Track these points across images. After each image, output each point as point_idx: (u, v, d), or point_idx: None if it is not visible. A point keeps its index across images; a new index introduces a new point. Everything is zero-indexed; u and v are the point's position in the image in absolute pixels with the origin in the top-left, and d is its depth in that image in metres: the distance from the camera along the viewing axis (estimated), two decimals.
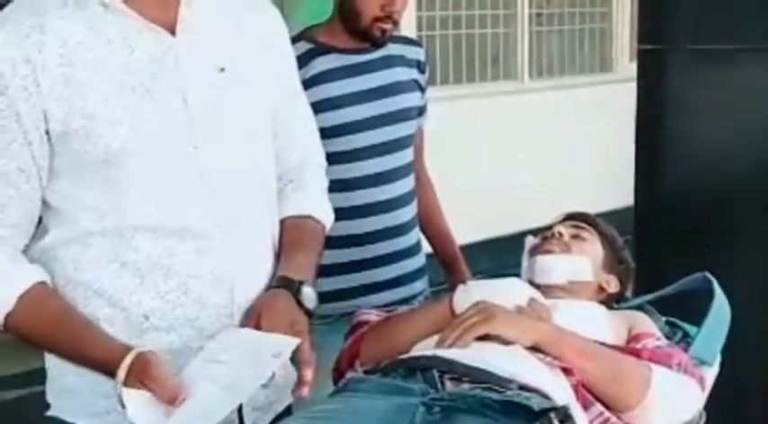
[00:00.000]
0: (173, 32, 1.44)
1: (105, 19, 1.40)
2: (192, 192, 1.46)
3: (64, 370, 1.52)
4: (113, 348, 1.40)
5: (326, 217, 1.70)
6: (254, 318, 1.45)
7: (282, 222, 1.63)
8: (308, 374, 1.40)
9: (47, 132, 1.40)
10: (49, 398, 1.57)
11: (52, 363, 1.55)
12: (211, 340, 1.44)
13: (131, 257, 1.44)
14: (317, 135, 1.75)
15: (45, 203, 1.47)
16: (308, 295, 1.50)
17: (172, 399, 1.33)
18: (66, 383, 1.53)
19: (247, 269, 1.52)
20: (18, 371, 1.67)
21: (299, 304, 1.48)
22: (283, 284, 1.50)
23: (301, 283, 1.50)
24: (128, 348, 1.38)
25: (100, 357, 1.40)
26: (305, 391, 1.40)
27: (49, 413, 1.56)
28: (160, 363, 1.36)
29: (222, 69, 1.48)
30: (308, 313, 1.50)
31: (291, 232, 1.62)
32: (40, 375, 1.58)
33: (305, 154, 1.70)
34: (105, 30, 1.40)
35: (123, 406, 1.35)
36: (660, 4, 2.86)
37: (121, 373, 1.35)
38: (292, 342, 1.37)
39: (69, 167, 1.43)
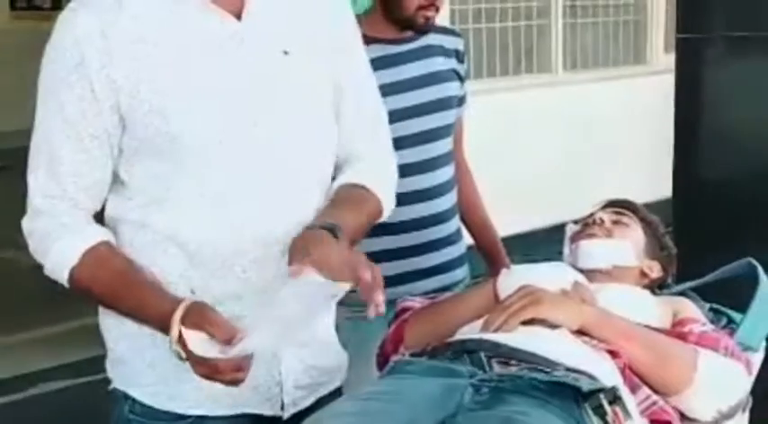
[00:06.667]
0: (239, 17, 1.50)
1: (178, 1, 1.47)
2: (250, 175, 1.49)
3: (116, 338, 1.58)
4: (170, 301, 1.42)
5: (385, 197, 1.64)
6: (304, 256, 1.36)
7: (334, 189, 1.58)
8: (378, 296, 1.34)
9: (117, 103, 1.46)
10: (108, 370, 1.63)
11: (107, 333, 1.60)
12: (264, 292, 1.45)
13: (183, 237, 1.49)
14: (385, 124, 1.72)
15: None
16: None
17: (229, 338, 1.34)
18: (118, 352, 1.59)
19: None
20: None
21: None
22: (325, 226, 1.43)
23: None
24: (182, 300, 1.41)
25: (156, 310, 1.42)
26: (375, 310, 1.35)
27: (111, 386, 1.61)
28: (214, 309, 1.39)
29: (286, 52, 1.52)
30: None
31: (340, 193, 1.57)
32: None
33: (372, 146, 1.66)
34: (179, 12, 1.47)
35: (181, 357, 1.37)
36: None
37: (178, 314, 1.37)
38: (344, 286, 1.35)
39: (135, 146, 1.48)
